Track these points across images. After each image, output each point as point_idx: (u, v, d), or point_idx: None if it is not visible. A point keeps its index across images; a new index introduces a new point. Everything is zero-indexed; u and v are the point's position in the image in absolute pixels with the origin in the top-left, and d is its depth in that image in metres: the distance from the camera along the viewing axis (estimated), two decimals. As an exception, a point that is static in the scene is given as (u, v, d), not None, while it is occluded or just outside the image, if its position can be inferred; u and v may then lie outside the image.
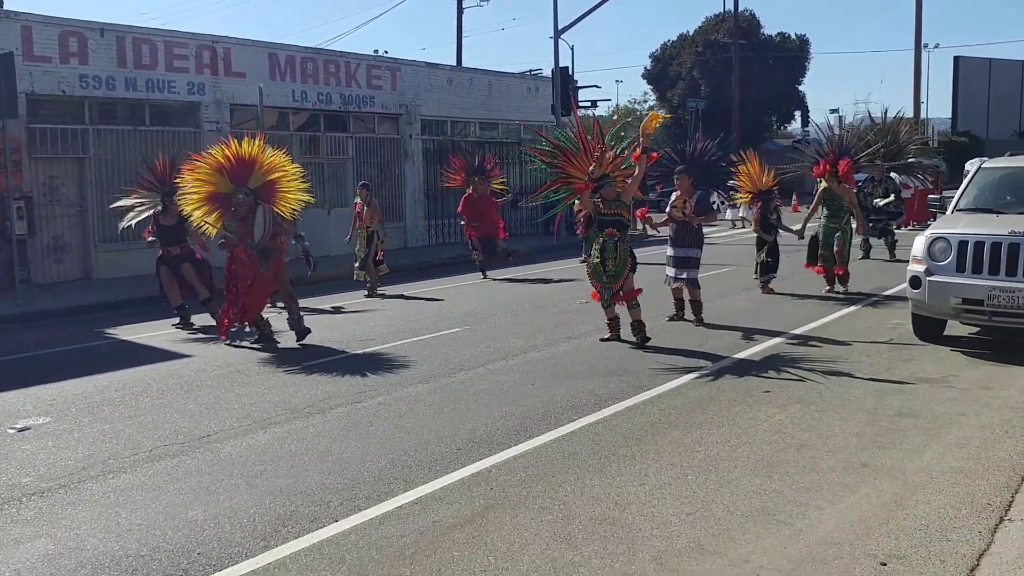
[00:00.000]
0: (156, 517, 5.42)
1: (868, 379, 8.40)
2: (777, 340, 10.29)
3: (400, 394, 8.31)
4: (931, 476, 5.77)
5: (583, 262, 18.57)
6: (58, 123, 17.84)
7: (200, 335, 11.90)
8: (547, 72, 29.73)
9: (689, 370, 8.87)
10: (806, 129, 49.35)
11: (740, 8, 46.67)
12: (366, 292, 15.35)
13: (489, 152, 22.20)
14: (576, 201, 10.64)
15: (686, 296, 11.49)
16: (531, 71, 32.18)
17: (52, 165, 17.76)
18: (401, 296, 15.25)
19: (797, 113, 56.02)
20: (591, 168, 10.12)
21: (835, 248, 13.45)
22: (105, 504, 5.68)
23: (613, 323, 10.41)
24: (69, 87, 17.80)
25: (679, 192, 11.43)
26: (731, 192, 13.65)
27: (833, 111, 58.06)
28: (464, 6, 41.52)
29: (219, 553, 4.90)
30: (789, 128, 60.40)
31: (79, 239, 18.11)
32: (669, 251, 11.52)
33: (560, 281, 16.74)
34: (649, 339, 10.14)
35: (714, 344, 10.11)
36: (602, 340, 10.36)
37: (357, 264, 15.56)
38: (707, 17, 56.35)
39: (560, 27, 27.90)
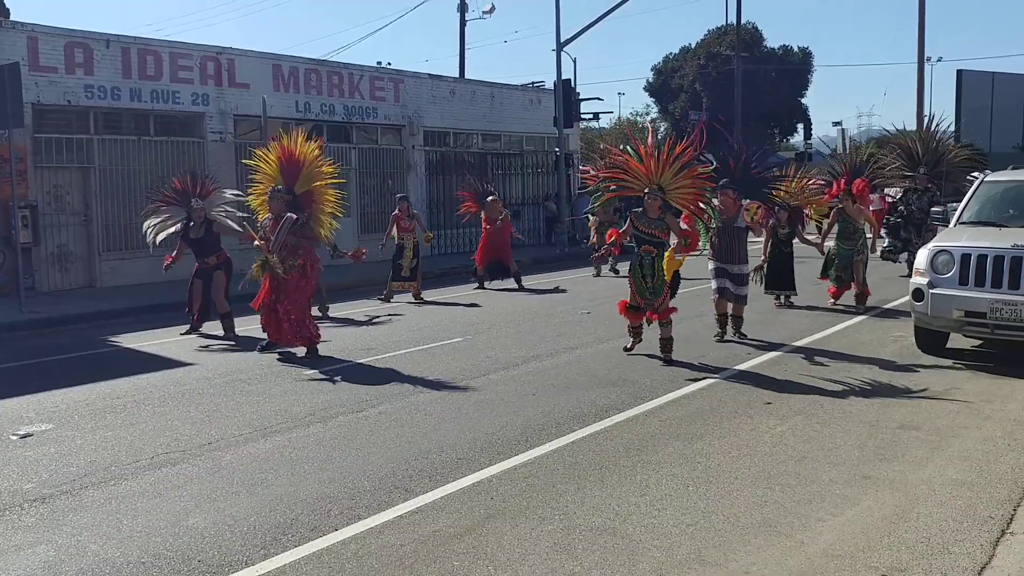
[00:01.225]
0: (157, 524, 5.42)
1: (870, 391, 8.40)
2: (779, 351, 10.28)
3: (401, 403, 8.31)
4: (933, 489, 5.76)
5: (596, 276, 18.62)
6: (63, 133, 17.89)
7: (211, 343, 11.90)
8: (549, 84, 29.79)
9: (691, 381, 8.87)
10: (809, 142, 49.36)
11: (743, 21, 46.82)
12: (413, 298, 15.65)
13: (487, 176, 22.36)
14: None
15: (730, 310, 11.17)
16: (533, 83, 32.21)
17: (57, 174, 17.81)
18: (404, 305, 15.25)
19: (800, 126, 56.10)
20: (660, 174, 9.88)
21: (854, 271, 13.28)
22: (106, 511, 5.69)
23: (637, 330, 10.22)
24: (74, 97, 17.86)
25: (720, 208, 10.86)
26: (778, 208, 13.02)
27: (836, 124, 58.09)
28: (467, 19, 41.57)
29: (219, 561, 4.90)
30: (792, 140, 60.49)
31: (83, 248, 18.14)
32: (712, 264, 11.12)
33: (561, 291, 16.75)
34: (674, 361, 9.76)
35: (716, 355, 10.10)
36: (625, 350, 10.23)
37: (406, 274, 15.67)
38: (709, 30, 56.62)
39: (563, 40, 27.96)
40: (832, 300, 13.68)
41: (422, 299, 15.71)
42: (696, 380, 8.93)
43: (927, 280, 9.50)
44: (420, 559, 4.85)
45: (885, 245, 17.46)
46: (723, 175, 11.04)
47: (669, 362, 9.73)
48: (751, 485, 5.87)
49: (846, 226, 13.43)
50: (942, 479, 5.94)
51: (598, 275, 18.83)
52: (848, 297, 13.65)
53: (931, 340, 9.97)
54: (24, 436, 7.47)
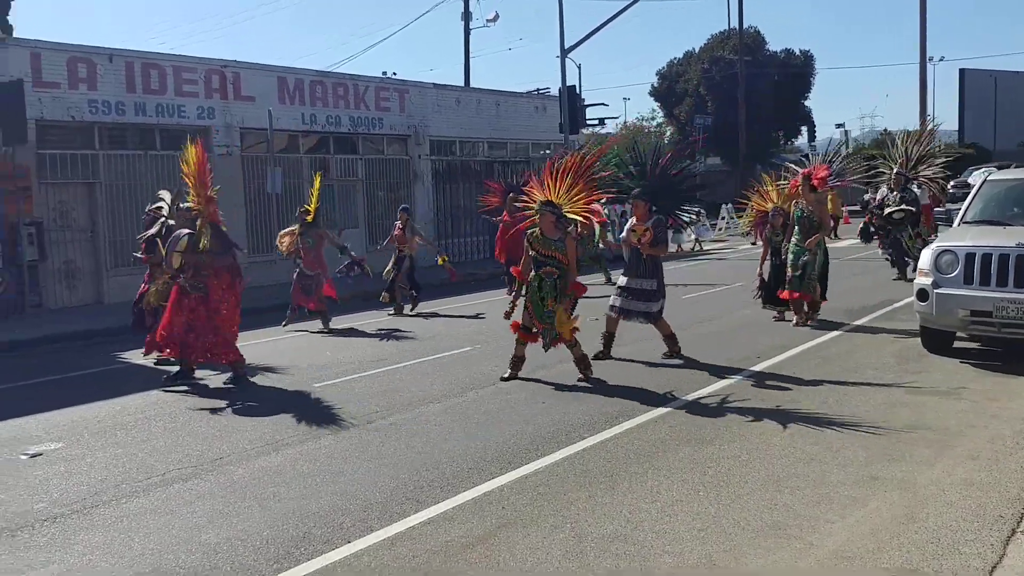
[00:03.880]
0: (169, 541, 5.45)
1: (876, 392, 8.40)
2: (785, 355, 10.27)
3: (411, 414, 8.33)
4: (942, 489, 5.77)
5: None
6: (68, 148, 17.97)
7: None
8: (554, 91, 29.83)
9: (699, 387, 8.87)
10: (813, 144, 49.36)
11: (745, 25, 46.86)
12: (391, 312, 15.55)
13: (528, 169, 22.16)
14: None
15: (658, 331, 10.32)
16: (538, 90, 32.26)
17: (62, 190, 17.90)
18: (412, 316, 15.29)
19: (803, 128, 56.07)
20: (554, 191, 9.36)
21: (802, 272, 12.14)
22: (118, 529, 5.71)
23: (518, 361, 9.64)
24: (78, 112, 17.94)
25: (635, 218, 10.31)
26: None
27: (839, 125, 58.08)
28: (471, 27, 41.73)
29: None
30: (796, 143, 60.47)
31: (90, 264, 18.22)
32: (621, 280, 10.42)
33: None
34: (592, 375, 9.39)
35: (724, 360, 10.10)
36: (502, 379, 9.58)
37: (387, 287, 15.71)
38: (712, 34, 56.59)
39: (567, 46, 28.00)
40: (797, 320, 12.29)
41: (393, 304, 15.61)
42: (704, 385, 8.93)
43: (931, 280, 9.50)
44: (433, 570, 4.86)
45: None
46: (641, 180, 10.63)
47: (589, 378, 9.33)
48: (761, 488, 5.89)
49: (801, 221, 12.27)
50: (951, 479, 5.94)
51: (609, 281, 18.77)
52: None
53: (937, 340, 9.97)
54: (34, 455, 7.50)
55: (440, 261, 16.06)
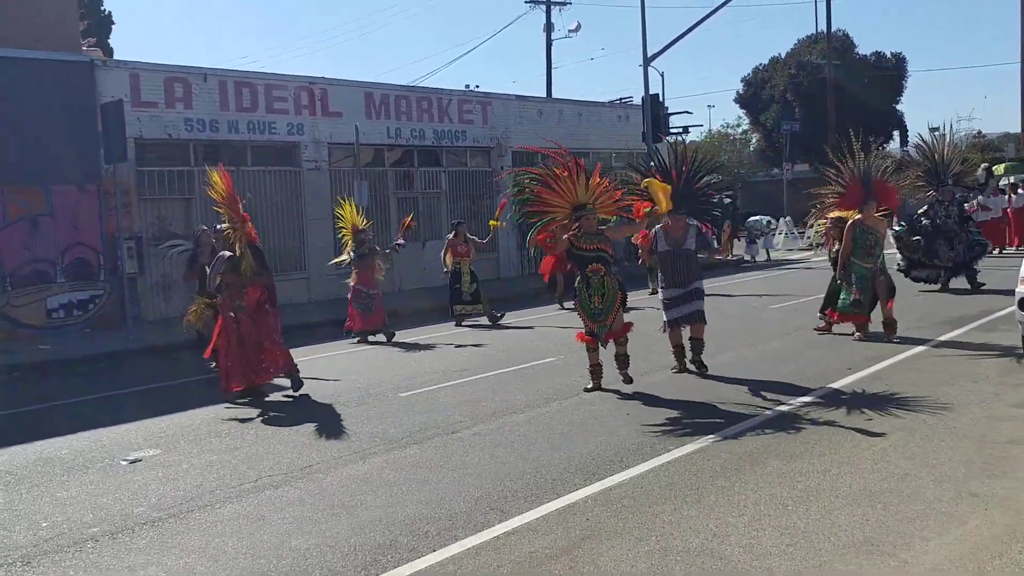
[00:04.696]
0: (260, 546, 5.56)
1: (975, 405, 8.13)
2: (878, 367, 10.03)
3: (495, 424, 8.36)
4: (1046, 506, 5.56)
5: (652, 294, 18.35)
6: (165, 166, 18.55)
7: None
8: (637, 100, 29.71)
9: (787, 399, 8.71)
10: (905, 148, 48.14)
11: (833, 28, 46.00)
12: (488, 321, 15.69)
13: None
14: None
15: (685, 340, 10.29)
16: (622, 99, 32.18)
17: (160, 206, 18.48)
18: (495, 326, 15.36)
19: (896, 133, 54.75)
20: (576, 193, 9.44)
21: (877, 290, 11.70)
22: (212, 533, 5.86)
23: (596, 370, 9.61)
24: (175, 131, 18.51)
25: (668, 228, 10.19)
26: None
27: (933, 129, 56.22)
28: (553, 38, 41.89)
29: (321, 582, 5.01)
30: (888, 148, 59.13)
31: (185, 276, 18.72)
32: (664, 294, 10.34)
33: (643, 308, 16.61)
34: (632, 379, 9.51)
35: (813, 372, 9.92)
36: (586, 390, 9.56)
37: (467, 298, 15.76)
38: (799, 39, 55.67)
39: (649, 55, 27.88)
40: (858, 335, 11.74)
41: (497, 319, 15.67)
42: (792, 398, 8.77)
43: (1033, 289, 9.18)
44: (517, 580, 4.87)
45: (899, 261, 16.66)
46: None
47: (629, 382, 9.49)
48: (852, 503, 5.75)
49: (864, 240, 11.70)
50: (1055, 496, 5.72)
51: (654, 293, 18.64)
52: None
53: (1040, 351, 9.63)
54: (133, 461, 7.75)
55: (492, 224, 15.99)
